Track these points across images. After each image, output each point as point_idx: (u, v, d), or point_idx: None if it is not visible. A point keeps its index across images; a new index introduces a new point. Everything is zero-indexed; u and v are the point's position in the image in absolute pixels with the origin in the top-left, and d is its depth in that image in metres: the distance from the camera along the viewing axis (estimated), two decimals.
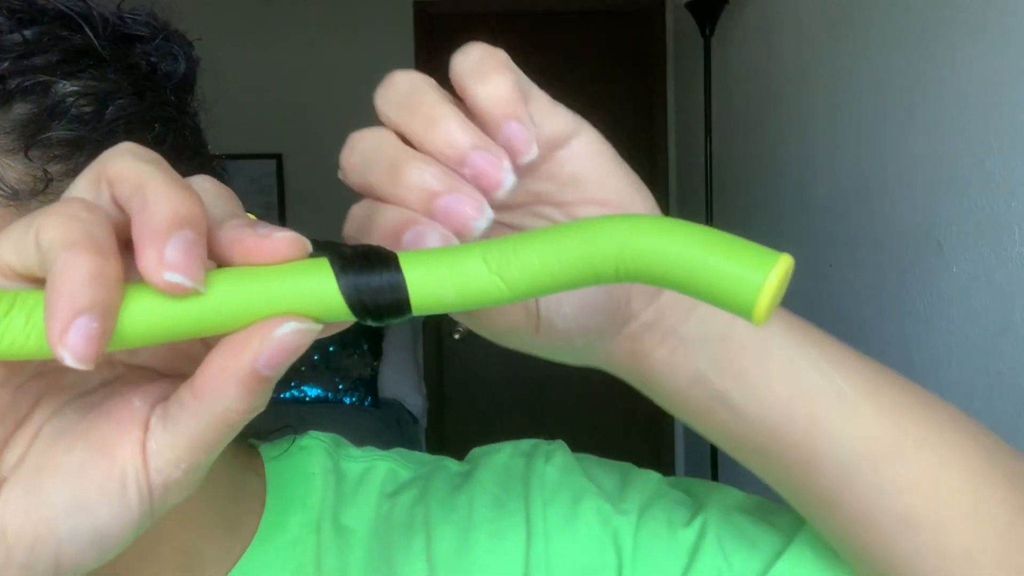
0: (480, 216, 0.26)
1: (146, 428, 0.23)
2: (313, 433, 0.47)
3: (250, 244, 0.22)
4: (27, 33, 0.34)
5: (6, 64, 0.33)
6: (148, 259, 0.20)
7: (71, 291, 0.19)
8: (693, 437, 2.74)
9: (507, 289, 0.22)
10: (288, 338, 0.22)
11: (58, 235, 0.20)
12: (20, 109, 0.33)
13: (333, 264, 0.22)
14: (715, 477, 2.20)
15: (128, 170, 0.22)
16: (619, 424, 2.93)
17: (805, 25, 1.73)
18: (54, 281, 0.20)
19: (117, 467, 0.23)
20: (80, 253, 0.20)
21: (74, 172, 0.34)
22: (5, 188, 0.32)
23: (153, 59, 0.38)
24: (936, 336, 1.25)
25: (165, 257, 0.20)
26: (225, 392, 0.22)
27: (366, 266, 0.22)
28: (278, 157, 2.88)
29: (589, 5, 2.93)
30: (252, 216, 0.29)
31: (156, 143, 0.37)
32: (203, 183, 0.25)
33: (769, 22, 1.94)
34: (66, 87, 0.34)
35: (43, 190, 0.33)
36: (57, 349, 0.19)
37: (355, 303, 0.22)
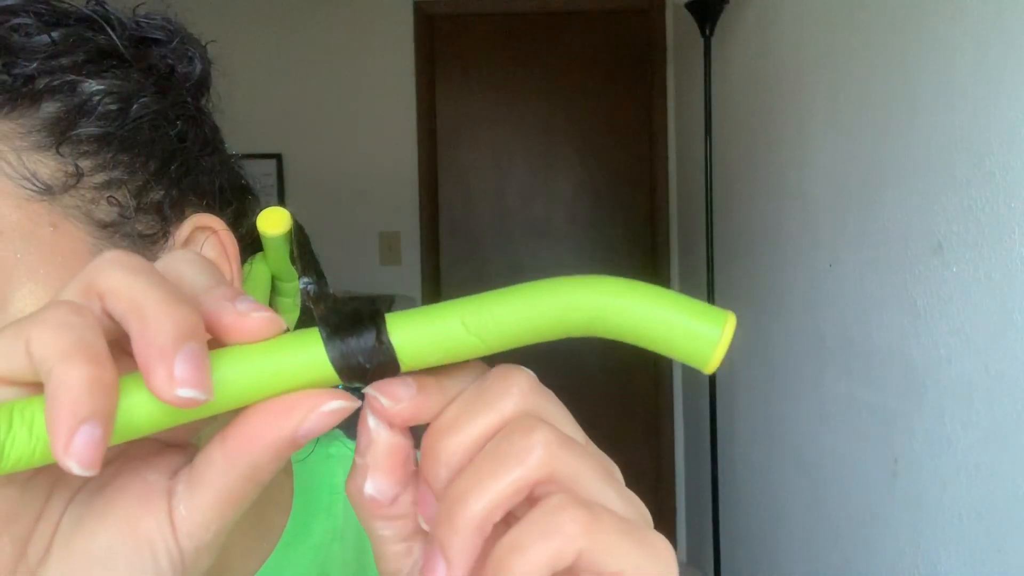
0: None
1: (170, 496, 0.23)
2: (343, 440, 0.48)
3: (227, 322, 0.23)
4: (54, 35, 0.35)
5: (35, 64, 0.34)
6: (159, 378, 0.20)
7: (71, 402, 0.19)
8: (693, 437, 2.74)
9: (484, 347, 0.24)
10: (333, 415, 0.23)
11: (51, 345, 0.20)
12: (49, 108, 0.34)
13: (322, 333, 0.23)
14: (715, 476, 2.20)
15: (120, 284, 0.21)
16: (619, 424, 2.93)
17: (805, 25, 1.73)
18: (53, 393, 0.20)
19: (144, 540, 0.23)
20: (75, 363, 0.20)
21: (102, 167, 0.35)
22: (38, 184, 0.33)
23: (170, 61, 0.39)
24: (936, 336, 1.25)
25: (175, 375, 0.20)
26: (259, 454, 0.23)
27: (353, 332, 0.23)
28: (278, 157, 2.88)
29: (589, 5, 2.93)
30: (276, 211, 0.29)
31: (179, 140, 0.38)
32: (179, 260, 0.25)
33: (769, 22, 1.94)
34: (92, 86, 0.35)
35: (75, 185, 0.34)
36: (63, 460, 0.19)
37: (342, 368, 0.23)
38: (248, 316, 0.23)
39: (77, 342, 0.20)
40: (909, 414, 1.33)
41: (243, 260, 0.41)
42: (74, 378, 0.20)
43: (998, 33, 1.07)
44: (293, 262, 0.33)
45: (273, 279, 0.41)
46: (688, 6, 2.12)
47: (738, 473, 2.24)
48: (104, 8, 0.37)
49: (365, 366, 0.23)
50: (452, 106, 2.95)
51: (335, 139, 2.91)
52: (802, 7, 1.74)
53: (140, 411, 0.22)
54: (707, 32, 2.12)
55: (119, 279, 0.22)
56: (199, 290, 0.23)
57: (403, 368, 0.24)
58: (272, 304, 0.41)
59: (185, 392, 0.20)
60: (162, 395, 0.20)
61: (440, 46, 2.94)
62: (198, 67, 0.40)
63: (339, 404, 0.23)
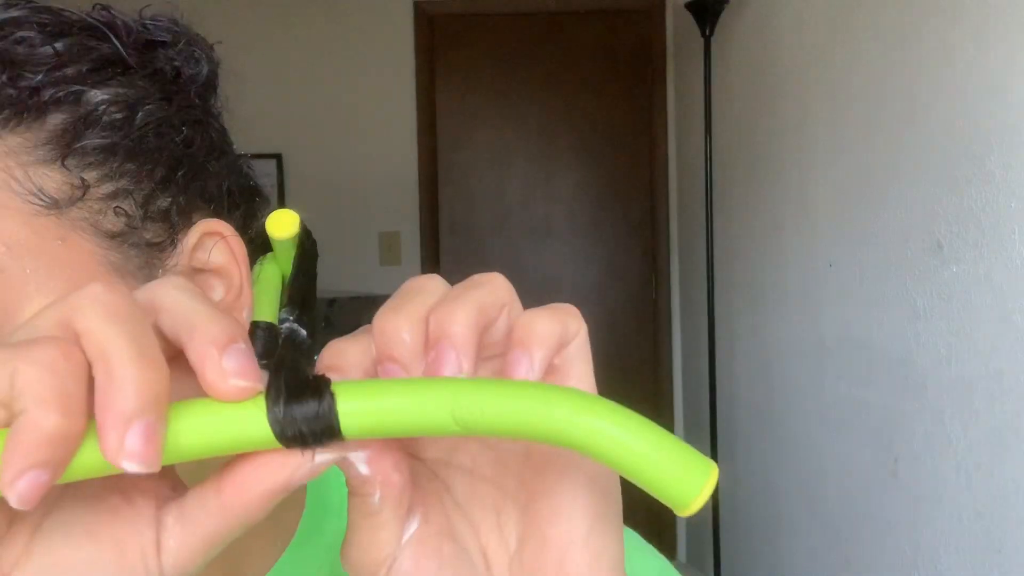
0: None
1: (160, 526, 0.24)
2: None
3: (208, 378, 0.23)
4: (58, 45, 0.35)
5: (39, 76, 0.34)
6: (109, 444, 0.20)
7: (28, 448, 0.20)
8: (693, 437, 2.74)
9: (464, 432, 0.24)
10: (324, 464, 0.24)
11: (31, 385, 0.20)
12: (55, 119, 0.34)
13: (267, 398, 0.23)
14: None
15: (94, 330, 0.21)
16: None
17: (805, 25, 1.73)
18: (17, 431, 0.20)
19: (129, 563, 0.24)
20: (48, 412, 0.20)
21: (108, 177, 0.35)
22: (45, 198, 0.33)
23: (177, 63, 0.39)
24: (936, 336, 1.25)
25: (125, 446, 0.20)
26: (253, 501, 0.24)
27: (297, 398, 0.23)
28: (278, 157, 2.88)
29: (589, 5, 2.93)
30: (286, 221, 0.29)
31: (185, 146, 0.38)
32: (166, 291, 0.24)
33: (769, 22, 1.94)
34: (97, 95, 0.35)
35: (81, 197, 0.34)
36: (5, 490, 0.20)
37: (279, 435, 0.23)
38: (226, 382, 0.23)
39: (58, 391, 0.20)
40: (909, 414, 1.33)
41: (254, 261, 0.41)
42: (41, 426, 0.20)
43: (998, 33, 1.07)
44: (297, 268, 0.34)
45: (284, 280, 0.41)
46: (688, 6, 2.12)
47: (738, 473, 2.24)
48: (110, 13, 0.37)
49: (303, 430, 0.23)
50: (452, 106, 2.95)
51: (335, 139, 2.91)
52: (802, 7, 1.74)
53: (91, 457, 0.22)
54: (707, 32, 2.12)
55: (94, 324, 0.21)
56: (189, 325, 0.23)
57: (346, 435, 0.24)
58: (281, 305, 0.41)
59: (130, 465, 0.21)
60: (108, 458, 0.21)
61: (440, 46, 2.94)
62: (205, 68, 0.40)
63: (329, 456, 0.24)
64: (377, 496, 0.26)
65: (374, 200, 2.93)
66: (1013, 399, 1.07)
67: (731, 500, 2.26)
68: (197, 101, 0.40)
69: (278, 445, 0.23)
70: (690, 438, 2.81)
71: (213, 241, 0.38)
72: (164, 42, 0.39)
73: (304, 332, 0.28)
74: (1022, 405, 1.05)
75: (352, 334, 0.27)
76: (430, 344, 0.25)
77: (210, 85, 0.41)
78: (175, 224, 0.37)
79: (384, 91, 2.92)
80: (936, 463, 1.25)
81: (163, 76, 0.38)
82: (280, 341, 0.27)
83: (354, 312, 2.72)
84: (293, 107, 2.87)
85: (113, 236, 0.35)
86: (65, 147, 0.34)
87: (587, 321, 0.27)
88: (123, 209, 0.35)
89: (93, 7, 0.37)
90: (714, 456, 2.20)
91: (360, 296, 2.77)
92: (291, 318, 0.28)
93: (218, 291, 0.38)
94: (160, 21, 0.39)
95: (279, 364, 0.25)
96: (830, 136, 1.61)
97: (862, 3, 1.46)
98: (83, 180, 0.34)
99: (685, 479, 0.25)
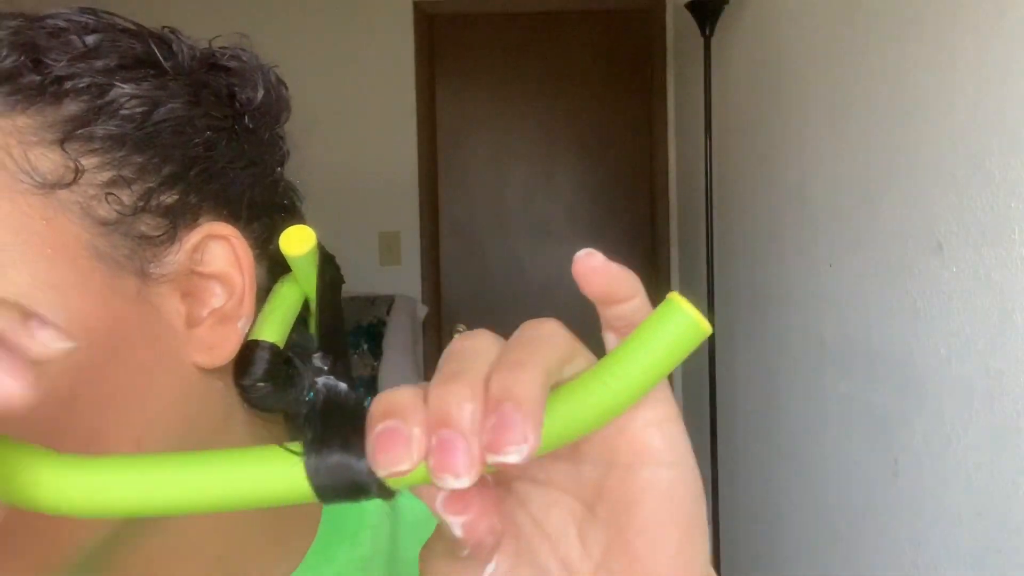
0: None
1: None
2: None
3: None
4: (89, 39, 0.35)
5: (62, 64, 0.35)
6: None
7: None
8: (693, 437, 2.73)
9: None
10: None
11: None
12: (72, 107, 0.35)
13: (305, 448, 0.23)
14: (715, 476, 2.21)
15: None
16: None
17: (805, 25, 1.73)
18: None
19: None
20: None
21: (110, 166, 0.35)
22: (36, 178, 0.34)
23: (235, 86, 0.41)
24: (936, 336, 1.25)
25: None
26: None
27: (336, 447, 0.23)
28: None
29: (589, 5, 2.93)
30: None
31: (205, 148, 0.38)
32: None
33: (769, 22, 1.94)
34: (121, 90, 0.36)
35: (71, 182, 0.34)
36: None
37: (317, 486, 0.23)
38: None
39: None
40: (909, 414, 1.33)
41: (278, 276, 0.41)
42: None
43: (998, 33, 1.07)
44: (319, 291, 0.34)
45: (308, 300, 0.40)
46: (688, 6, 2.12)
47: (738, 473, 2.24)
48: (174, 34, 0.39)
49: (337, 482, 0.23)
50: (452, 106, 2.95)
51: (335, 139, 2.91)
52: (802, 7, 1.74)
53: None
54: (707, 32, 2.12)
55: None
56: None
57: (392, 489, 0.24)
58: (308, 326, 0.40)
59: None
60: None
61: (440, 46, 2.94)
62: (261, 93, 0.42)
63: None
64: (466, 552, 0.26)
65: (374, 200, 2.93)
66: (1013, 399, 1.07)
67: (731, 500, 2.26)
68: (250, 124, 0.41)
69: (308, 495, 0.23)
70: (690, 438, 2.81)
71: (216, 243, 0.38)
72: (228, 68, 0.40)
73: (344, 385, 0.26)
74: (1022, 405, 1.05)
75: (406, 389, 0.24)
76: (490, 408, 0.22)
77: (265, 108, 0.43)
78: (178, 221, 0.37)
79: (384, 91, 2.92)
80: (936, 463, 1.25)
81: (194, 78, 0.39)
82: (321, 400, 0.26)
83: (354, 312, 2.71)
84: (293, 107, 2.87)
85: (105, 223, 0.35)
86: (70, 131, 0.34)
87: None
88: (117, 197, 0.35)
89: (162, 28, 0.39)
90: (714, 455, 2.20)
91: (360, 296, 2.76)
92: (326, 368, 0.27)
93: (219, 297, 0.38)
94: (227, 50, 0.41)
95: (323, 431, 0.24)
96: (830, 136, 1.61)
97: (862, 3, 1.46)
98: (77, 164, 0.34)
99: (686, 328, 0.25)
